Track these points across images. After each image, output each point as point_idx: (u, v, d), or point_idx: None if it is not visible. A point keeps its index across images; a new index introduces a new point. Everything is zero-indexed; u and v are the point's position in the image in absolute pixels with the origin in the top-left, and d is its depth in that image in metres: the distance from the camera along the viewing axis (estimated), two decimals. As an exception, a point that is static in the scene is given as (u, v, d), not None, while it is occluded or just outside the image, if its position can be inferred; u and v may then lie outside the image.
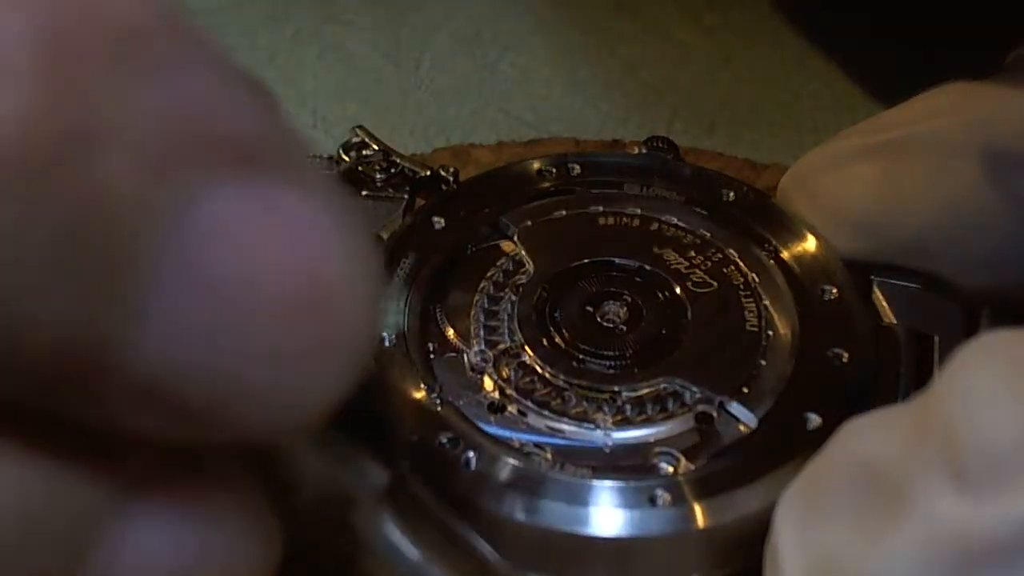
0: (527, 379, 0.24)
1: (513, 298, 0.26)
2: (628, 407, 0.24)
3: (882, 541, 0.17)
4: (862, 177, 0.26)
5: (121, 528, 0.12)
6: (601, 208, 0.28)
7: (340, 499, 0.16)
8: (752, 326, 0.25)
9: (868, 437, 0.19)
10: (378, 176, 0.30)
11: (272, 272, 0.11)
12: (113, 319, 0.11)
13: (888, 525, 0.17)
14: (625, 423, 0.23)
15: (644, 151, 0.30)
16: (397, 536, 0.17)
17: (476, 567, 0.18)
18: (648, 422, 0.23)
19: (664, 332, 0.25)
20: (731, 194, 0.29)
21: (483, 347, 0.25)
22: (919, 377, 0.25)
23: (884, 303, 0.26)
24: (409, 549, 0.17)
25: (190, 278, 0.11)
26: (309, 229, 0.12)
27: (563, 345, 0.25)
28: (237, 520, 0.13)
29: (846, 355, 0.24)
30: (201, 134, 0.11)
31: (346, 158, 0.31)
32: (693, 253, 0.27)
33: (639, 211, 0.28)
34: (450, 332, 0.25)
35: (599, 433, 0.23)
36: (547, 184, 0.29)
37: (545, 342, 0.25)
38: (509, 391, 0.24)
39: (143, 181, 0.11)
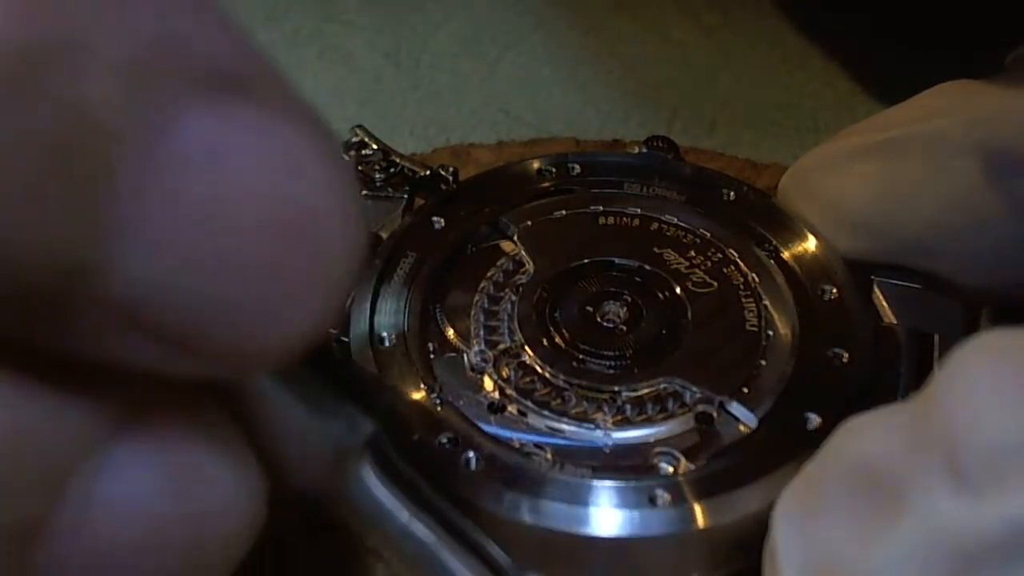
0: (527, 379, 0.24)
1: (513, 298, 0.26)
2: (628, 407, 0.24)
3: (880, 540, 0.17)
4: (862, 177, 0.26)
5: (100, 462, 0.12)
6: (601, 208, 0.28)
7: (325, 451, 0.16)
8: (752, 326, 0.25)
9: (866, 437, 0.19)
10: (378, 176, 0.30)
11: (251, 195, 0.11)
12: (94, 238, 0.11)
13: (886, 524, 0.17)
14: (625, 423, 0.23)
15: (644, 151, 0.30)
16: (381, 492, 0.16)
17: (456, 525, 0.18)
18: (648, 422, 0.23)
19: (664, 332, 0.25)
20: (731, 194, 0.29)
21: (483, 347, 0.25)
22: (919, 377, 0.25)
23: (884, 303, 0.26)
24: (393, 504, 0.17)
25: (170, 198, 0.11)
26: (291, 154, 0.12)
27: (563, 345, 0.25)
28: (219, 467, 0.13)
29: (846, 355, 0.24)
30: (184, 54, 0.11)
31: (346, 157, 0.31)
32: (693, 253, 0.27)
33: (639, 211, 0.28)
34: (450, 332, 0.25)
35: (599, 433, 0.23)
36: (547, 184, 0.29)
37: (545, 342, 0.25)
38: (509, 391, 0.24)
39: (124, 97, 0.10)
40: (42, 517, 0.12)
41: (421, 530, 0.17)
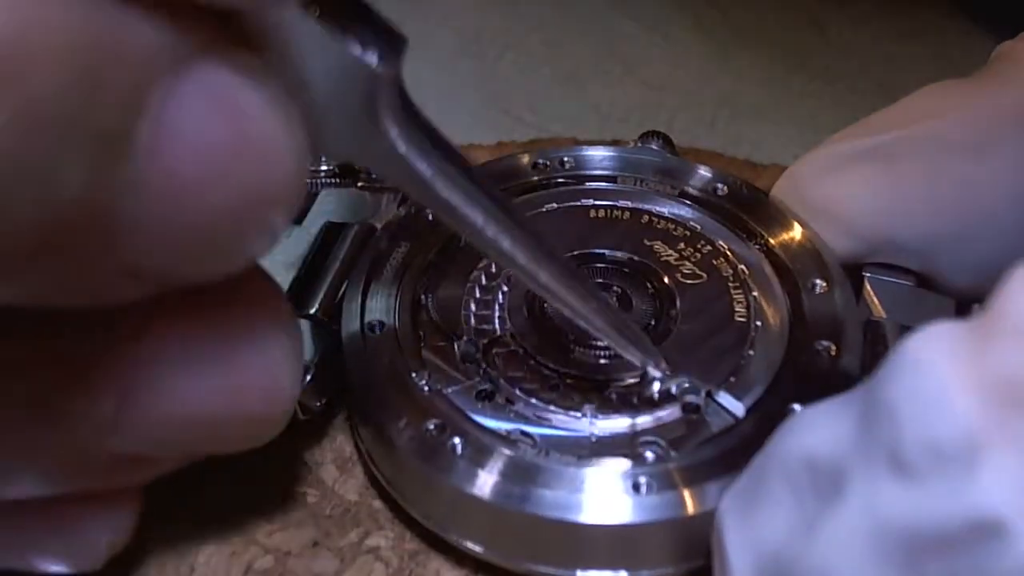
0: (516, 368, 0.24)
1: (504, 288, 0.26)
2: (615, 396, 0.24)
3: (824, 528, 0.17)
4: (856, 179, 0.26)
5: (171, 89, 0.14)
6: (593, 201, 0.28)
7: (357, 85, 0.16)
8: (741, 317, 0.25)
9: (811, 428, 0.19)
10: (373, 168, 0.31)
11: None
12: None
13: (830, 513, 0.17)
14: (612, 412, 0.23)
15: (639, 145, 0.31)
16: (405, 145, 0.17)
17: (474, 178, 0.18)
18: (635, 411, 0.23)
19: (653, 323, 0.25)
20: (723, 187, 0.29)
21: (473, 336, 0.25)
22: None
23: (875, 298, 0.26)
24: (417, 158, 0.17)
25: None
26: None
27: (552, 335, 0.25)
28: (270, 110, 0.15)
29: (834, 348, 0.24)
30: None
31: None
32: (683, 245, 0.27)
33: (630, 204, 0.28)
34: (441, 321, 0.26)
35: (586, 421, 0.23)
36: (539, 177, 0.29)
37: (534, 332, 0.25)
38: (498, 379, 0.24)
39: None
40: (125, 132, 0.13)
41: (440, 182, 0.18)
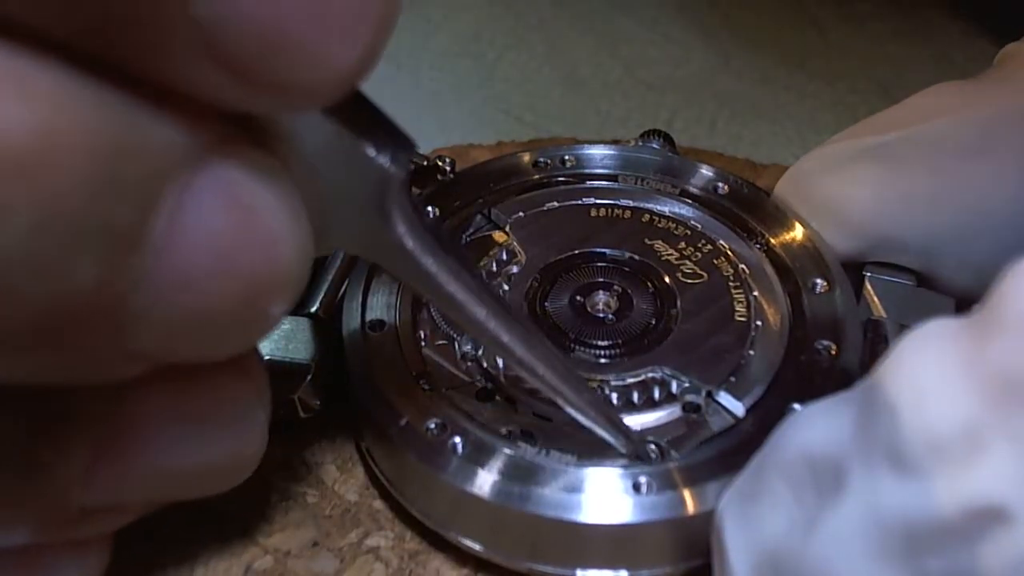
0: (516, 367, 0.24)
1: (505, 287, 0.26)
2: (616, 396, 0.24)
3: (824, 524, 0.17)
4: (859, 179, 0.26)
5: (185, 185, 0.14)
6: (593, 199, 0.28)
7: (367, 184, 0.17)
8: (741, 317, 0.25)
9: (811, 426, 0.19)
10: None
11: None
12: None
13: (829, 508, 0.17)
14: (613, 411, 0.23)
15: (639, 144, 0.31)
16: (411, 239, 0.18)
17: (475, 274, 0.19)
18: (636, 410, 0.23)
19: (653, 322, 0.25)
20: (724, 186, 0.29)
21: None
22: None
23: (875, 297, 0.26)
24: (421, 251, 0.18)
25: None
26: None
27: (552, 335, 0.25)
28: (277, 205, 0.15)
29: (834, 347, 0.24)
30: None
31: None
32: (684, 244, 0.27)
33: (631, 203, 0.28)
34: (441, 320, 0.25)
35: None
36: (540, 175, 0.29)
37: (535, 331, 0.25)
38: (498, 378, 0.24)
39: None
40: (138, 227, 0.14)
41: (444, 276, 0.18)
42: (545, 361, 0.21)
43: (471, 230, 0.28)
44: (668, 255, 0.27)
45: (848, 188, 0.27)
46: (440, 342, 0.25)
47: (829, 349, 0.24)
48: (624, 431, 0.22)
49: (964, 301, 0.26)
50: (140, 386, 0.17)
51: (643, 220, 0.28)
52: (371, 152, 0.16)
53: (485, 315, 0.19)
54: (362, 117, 0.16)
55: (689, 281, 0.26)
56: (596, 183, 0.29)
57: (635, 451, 0.22)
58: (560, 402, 0.21)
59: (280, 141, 0.16)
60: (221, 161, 0.15)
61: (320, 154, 0.16)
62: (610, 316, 0.26)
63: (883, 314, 0.26)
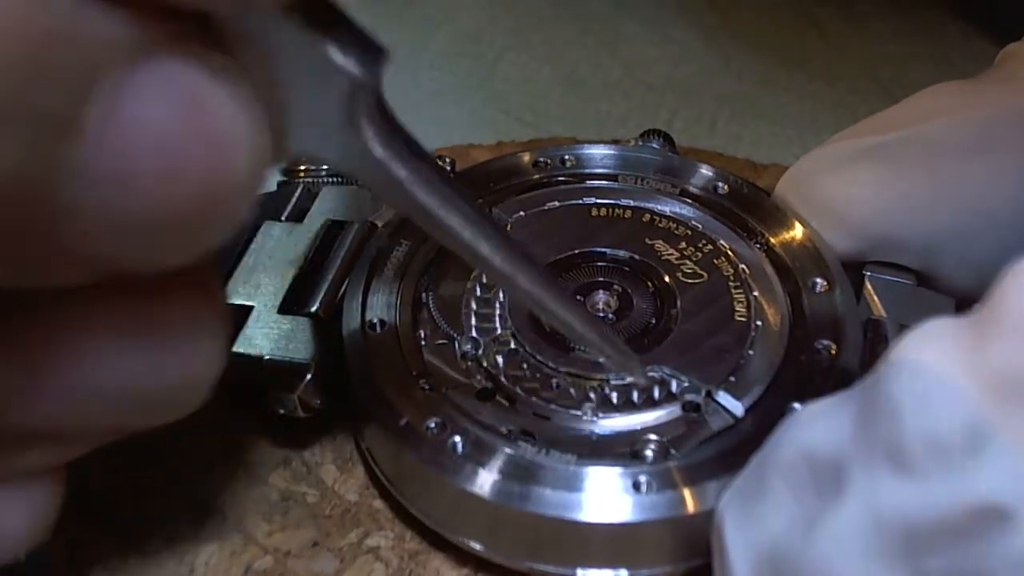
0: (516, 366, 0.24)
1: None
2: (616, 395, 0.24)
3: (824, 524, 0.17)
4: (859, 179, 0.26)
5: (123, 78, 0.14)
6: (594, 199, 0.28)
7: (336, 90, 0.16)
8: (741, 316, 0.25)
9: (810, 425, 0.19)
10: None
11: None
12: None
13: (830, 508, 0.17)
14: (612, 411, 0.23)
15: (639, 143, 0.31)
16: (383, 152, 0.17)
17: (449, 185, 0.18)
18: (635, 410, 0.23)
19: (653, 322, 0.25)
20: (724, 186, 0.29)
21: (474, 335, 0.25)
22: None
23: (875, 297, 0.26)
24: (394, 163, 0.17)
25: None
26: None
27: (552, 334, 0.25)
28: (231, 100, 0.14)
29: (834, 347, 0.24)
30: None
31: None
32: (684, 244, 0.27)
33: (631, 202, 0.28)
34: (441, 319, 0.25)
35: (586, 420, 0.23)
36: (540, 175, 0.29)
37: (535, 331, 0.25)
38: (498, 378, 0.24)
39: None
40: (72, 116, 0.13)
41: (419, 187, 0.18)
42: (528, 274, 0.19)
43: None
44: (668, 255, 0.27)
45: (848, 188, 0.27)
46: (440, 342, 0.25)
47: (829, 349, 0.24)
48: (617, 346, 0.21)
49: (964, 301, 0.26)
50: (84, 298, 0.16)
51: (643, 220, 0.28)
52: (336, 56, 0.15)
53: (460, 224, 0.18)
54: (329, 20, 0.15)
55: (689, 281, 0.26)
56: (596, 183, 0.29)
57: (633, 368, 0.22)
58: (545, 317, 0.20)
59: (240, 43, 0.15)
60: (169, 56, 0.14)
61: (285, 59, 0.15)
62: (610, 316, 0.26)
63: (883, 314, 0.26)
